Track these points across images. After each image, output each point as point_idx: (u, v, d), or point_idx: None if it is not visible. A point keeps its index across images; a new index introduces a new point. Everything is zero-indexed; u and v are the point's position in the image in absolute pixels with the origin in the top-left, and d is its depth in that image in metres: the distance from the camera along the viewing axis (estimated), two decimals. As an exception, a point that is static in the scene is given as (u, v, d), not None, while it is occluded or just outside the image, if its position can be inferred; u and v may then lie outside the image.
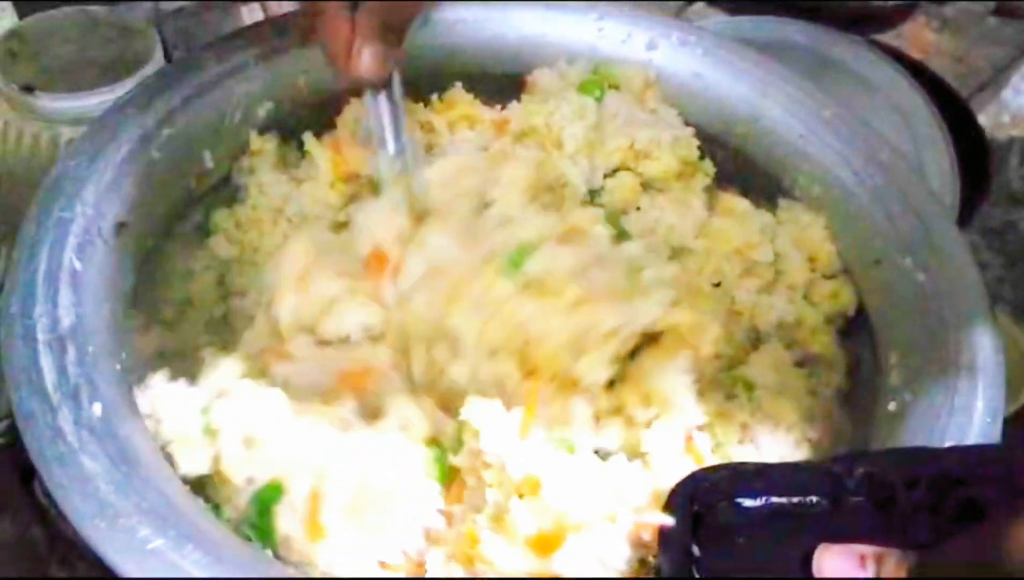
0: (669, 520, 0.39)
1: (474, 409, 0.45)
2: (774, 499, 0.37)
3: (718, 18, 1.20)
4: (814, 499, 0.37)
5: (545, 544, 0.42)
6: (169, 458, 0.45)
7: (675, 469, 0.45)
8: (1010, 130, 1.23)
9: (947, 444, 0.43)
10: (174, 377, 0.48)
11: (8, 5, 0.83)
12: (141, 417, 0.43)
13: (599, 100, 0.59)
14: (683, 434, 0.48)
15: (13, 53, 0.70)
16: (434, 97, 0.63)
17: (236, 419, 0.46)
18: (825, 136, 0.59)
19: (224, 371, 0.49)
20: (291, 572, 0.40)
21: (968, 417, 0.44)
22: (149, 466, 0.40)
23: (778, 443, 0.49)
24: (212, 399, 0.47)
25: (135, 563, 0.36)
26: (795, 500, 0.37)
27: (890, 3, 1.18)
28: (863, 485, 0.37)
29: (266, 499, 0.43)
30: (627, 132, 0.58)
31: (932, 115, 0.90)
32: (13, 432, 0.64)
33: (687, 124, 0.62)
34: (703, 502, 0.37)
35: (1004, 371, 0.46)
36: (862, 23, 1.22)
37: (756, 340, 0.56)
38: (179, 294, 0.58)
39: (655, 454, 0.46)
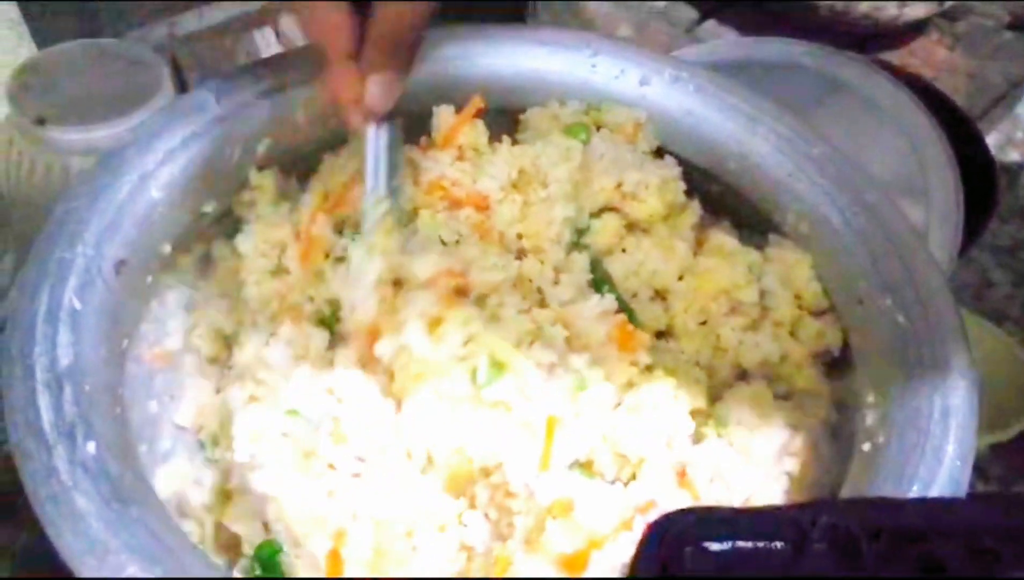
0: None
1: (496, 446, 0.48)
2: (740, 544, 0.38)
3: (727, 38, 1.21)
4: (778, 545, 0.38)
5: (575, 562, 0.45)
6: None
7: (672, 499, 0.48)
8: (1022, 147, 1.24)
9: (915, 486, 0.43)
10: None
11: (27, 35, 0.86)
12: (136, 454, 0.45)
13: (585, 142, 0.61)
14: (674, 471, 0.50)
15: (26, 86, 0.72)
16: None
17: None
18: (813, 174, 0.60)
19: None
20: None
21: (938, 461, 0.45)
22: (140, 504, 0.42)
23: (751, 478, 0.50)
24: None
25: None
26: (760, 545, 0.38)
27: (901, 21, 1.18)
28: (826, 534, 0.38)
29: (268, 554, 0.46)
30: (613, 173, 0.59)
31: (938, 136, 0.91)
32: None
33: (681, 159, 0.64)
34: (672, 545, 0.38)
35: (977, 416, 0.47)
36: (874, 41, 1.23)
37: (741, 375, 0.57)
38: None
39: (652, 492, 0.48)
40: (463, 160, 0.61)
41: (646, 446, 0.49)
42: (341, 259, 0.58)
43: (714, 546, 0.38)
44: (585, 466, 0.50)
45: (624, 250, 0.59)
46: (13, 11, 0.85)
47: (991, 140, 1.19)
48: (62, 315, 0.47)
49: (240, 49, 1.04)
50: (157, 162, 0.56)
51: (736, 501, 0.50)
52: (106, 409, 0.45)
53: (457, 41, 0.66)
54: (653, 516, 0.45)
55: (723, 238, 0.61)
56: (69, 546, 0.39)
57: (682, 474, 0.49)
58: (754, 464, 0.51)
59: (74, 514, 0.40)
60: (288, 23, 1.06)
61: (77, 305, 0.48)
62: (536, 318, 0.53)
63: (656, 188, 0.59)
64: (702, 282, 0.57)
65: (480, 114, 0.63)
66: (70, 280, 0.48)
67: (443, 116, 0.62)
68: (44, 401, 0.43)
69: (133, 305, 0.53)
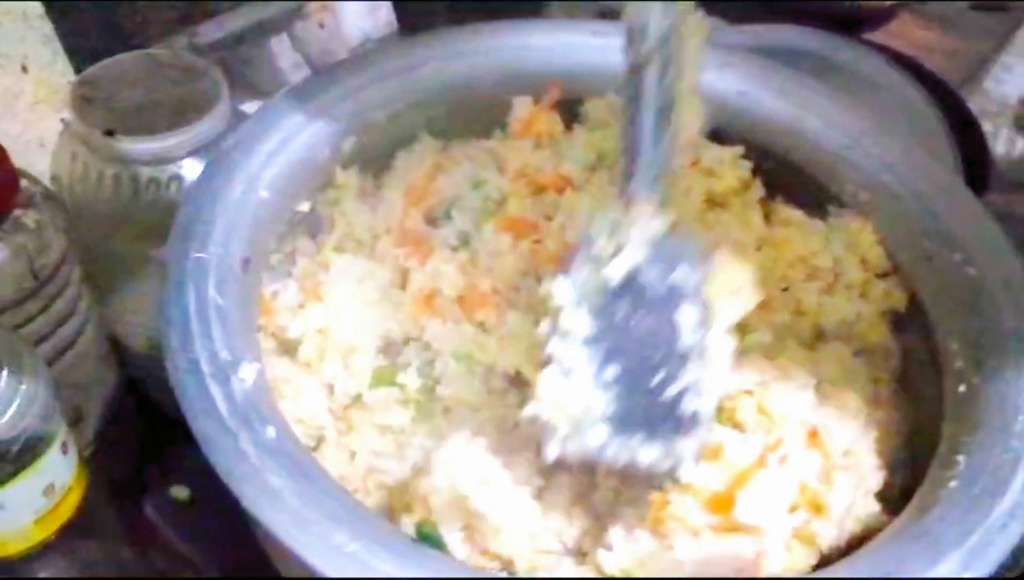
0: None
1: None
2: None
3: (728, 28, 1.25)
4: None
5: (723, 502, 0.48)
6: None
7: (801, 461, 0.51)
8: (995, 118, 1.30)
9: (1020, 418, 0.48)
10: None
11: (61, 51, 0.86)
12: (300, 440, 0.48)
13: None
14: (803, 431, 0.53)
15: (87, 99, 0.73)
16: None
17: None
18: (867, 146, 0.65)
19: None
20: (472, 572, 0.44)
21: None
22: (324, 481, 0.44)
23: (847, 428, 0.54)
24: None
25: (333, 566, 0.40)
26: None
27: (880, 2, 1.23)
28: None
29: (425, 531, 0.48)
30: (688, 151, 0.62)
31: (934, 113, 0.95)
32: (101, 440, 0.66)
33: (737, 138, 0.68)
34: None
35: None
36: (851, 24, 1.28)
37: (819, 336, 0.61)
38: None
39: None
40: (541, 148, 0.65)
41: (786, 404, 0.53)
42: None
43: None
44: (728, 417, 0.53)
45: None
46: (47, 28, 0.86)
47: (963, 115, 1.25)
48: (210, 311, 0.49)
49: (257, 54, 1.05)
50: (260, 164, 0.58)
51: (838, 452, 0.54)
52: (265, 396, 0.48)
53: (517, 35, 0.69)
54: (781, 453, 0.49)
55: (789, 211, 0.65)
56: (271, 519, 0.41)
57: (813, 434, 0.52)
58: (849, 416, 0.55)
59: (270, 491, 0.42)
60: (303, 29, 1.08)
61: (220, 300, 0.50)
62: None
63: (730, 164, 0.63)
64: (781, 250, 0.61)
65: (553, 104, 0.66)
66: (210, 277, 0.50)
67: (522, 106, 0.65)
68: (216, 391, 0.45)
69: (256, 299, 0.55)
